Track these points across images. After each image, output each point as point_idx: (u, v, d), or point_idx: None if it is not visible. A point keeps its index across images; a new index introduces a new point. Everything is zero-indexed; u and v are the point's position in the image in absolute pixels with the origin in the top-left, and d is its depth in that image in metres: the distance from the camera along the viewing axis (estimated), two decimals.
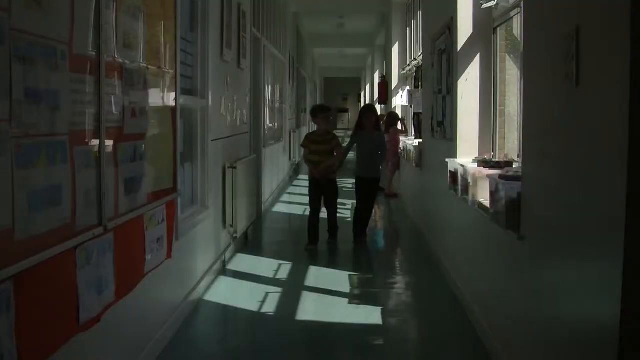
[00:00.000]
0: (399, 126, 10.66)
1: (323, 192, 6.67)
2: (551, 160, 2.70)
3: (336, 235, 6.79)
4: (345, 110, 38.60)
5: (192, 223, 4.53)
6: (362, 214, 6.87)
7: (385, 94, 13.31)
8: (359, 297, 5.07)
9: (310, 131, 7.57)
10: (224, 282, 5.33)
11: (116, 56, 2.88)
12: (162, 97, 3.68)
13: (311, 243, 6.64)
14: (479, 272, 4.25)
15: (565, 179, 2.50)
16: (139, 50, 3.21)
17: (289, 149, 12.70)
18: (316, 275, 5.59)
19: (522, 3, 3.48)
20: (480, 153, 4.90)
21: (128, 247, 3.05)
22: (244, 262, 6.07)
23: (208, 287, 5.04)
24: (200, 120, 4.96)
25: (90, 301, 2.59)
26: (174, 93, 3.91)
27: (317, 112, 6.93)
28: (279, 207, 9.48)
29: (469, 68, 4.97)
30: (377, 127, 6.99)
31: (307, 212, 6.92)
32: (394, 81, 12.49)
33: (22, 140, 2.07)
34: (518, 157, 4.04)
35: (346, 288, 5.24)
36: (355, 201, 7.05)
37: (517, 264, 3.25)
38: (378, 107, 16.73)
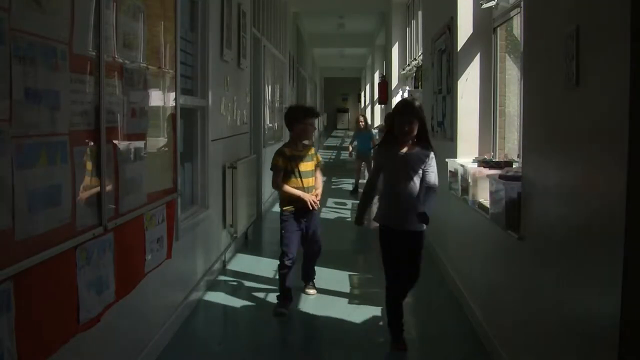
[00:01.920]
0: None
1: (307, 228, 4.76)
2: (551, 160, 2.70)
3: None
4: (345, 110, 38.63)
5: (192, 223, 4.53)
6: (397, 293, 3.95)
7: (386, 94, 13.32)
8: (359, 297, 5.07)
9: (284, 144, 4.95)
10: (224, 282, 5.33)
11: (116, 56, 2.88)
12: (162, 97, 3.68)
13: (284, 304, 4.62)
14: (479, 272, 4.25)
15: (565, 179, 2.50)
16: (139, 50, 3.21)
17: None
18: (316, 275, 5.59)
19: (522, 3, 3.48)
20: (480, 153, 4.91)
21: (128, 247, 3.05)
22: (244, 262, 6.07)
23: (208, 287, 5.04)
24: (200, 120, 4.96)
25: (90, 301, 2.59)
26: (174, 93, 3.91)
27: (304, 115, 4.80)
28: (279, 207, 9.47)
29: (469, 68, 4.97)
30: (422, 141, 3.86)
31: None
32: (394, 81, 12.49)
33: (22, 140, 2.06)
34: (518, 157, 4.04)
35: (346, 288, 5.25)
36: (384, 271, 3.95)
37: (517, 264, 3.25)
38: (378, 108, 16.69)
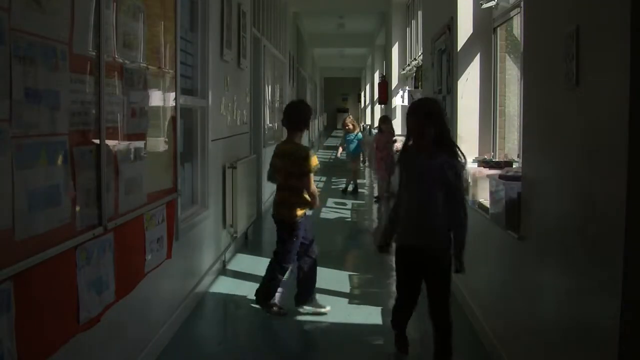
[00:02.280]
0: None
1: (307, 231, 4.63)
2: (551, 160, 2.70)
3: None
4: (345, 110, 38.66)
5: (192, 223, 4.53)
6: (404, 316, 3.58)
7: (386, 94, 13.32)
8: (359, 297, 5.07)
9: (298, 141, 4.55)
10: (224, 282, 5.33)
11: (116, 56, 2.88)
12: (162, 97, 3.68)
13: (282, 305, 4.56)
14: (479, 272, 4.25)
15: (565, 179, 2.50)
16: (139, 50, 3.21)
17: None
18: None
19: (522, 3, 3.48)
20: (480, 153, 4.91)
21: (128, 247, 3.05)
22: (244, 262, 6.07)
23: (208, 287, 5.04)
24: (200, 120, 4.96)
25: (90, 301, 2.59)
26: (174, 93, 3.91)
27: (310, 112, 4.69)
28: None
29: (469, 68, 4.97)
30: (445, 147, 3.30)
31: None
32: (394, 81, 12.50)
33: (22, 140, 2.07)
34: (518, 157, 4.04)
35: (346, 288, 5.24)
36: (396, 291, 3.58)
37: (517, 264, 3.25)
38: (378, 108, 16.71)
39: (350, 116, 11.98)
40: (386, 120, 10.42)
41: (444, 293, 3.32)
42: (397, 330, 3.65)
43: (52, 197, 2.27)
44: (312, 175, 4.40)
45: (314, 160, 4.39)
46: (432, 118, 3.27)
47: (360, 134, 11.39)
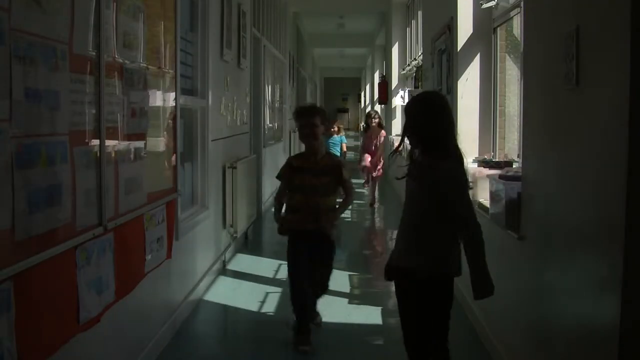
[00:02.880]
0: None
1: (313, 254, 3.91)
2: (551, 160, 2.70)
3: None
4: (345, 110, 38.59)
5: (192, 223, 4.53)
6: None
7: (385, 94, 13.32)
8: (359, 297, 5.07)
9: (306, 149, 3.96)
10: (224, 282, 5.33)
11: (116, 56, 2.88)
12: (162, 97, 3.68)
13: (304, 340, 3.83)
14: None
15: (565, 179, 2.50)
16: (139, 50, 3.21)
17: (289, 149, 12.71)
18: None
19: (522, 3, 3.48)
20: (480, 153, 4.91)
21: (128, 247, 3.05)
22: (244, 262, 6.07)
23: (208, 287, 5.04)
24: (200, 120, 4.96)
25: (90, 301, 2.59)
26: (174, 93, 3.91)
27: (297, 115, 3.99)
28: None
29: (469, 68, 4.97)
30: (437, 149, 2.71)
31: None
32: (394, 81, 12.49)
33: (22, 140, 2.07)
34: (518, 157, 4.04)
35: (346, 288, 5.24)
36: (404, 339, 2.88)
37: (517, 264, 3.25)
38: (378, 108, 16.74)
39: (338, 121, 11.53)
40: (370, 115, 9.93)
41: (438, 327, 2.77)
42: None
43: (52, 197, 2.27)
44: (281, 182, 3.97)
45: (281, 168, 4.01)
46: (411, 117, 2.70)
47: (344, 137, 11.00)
